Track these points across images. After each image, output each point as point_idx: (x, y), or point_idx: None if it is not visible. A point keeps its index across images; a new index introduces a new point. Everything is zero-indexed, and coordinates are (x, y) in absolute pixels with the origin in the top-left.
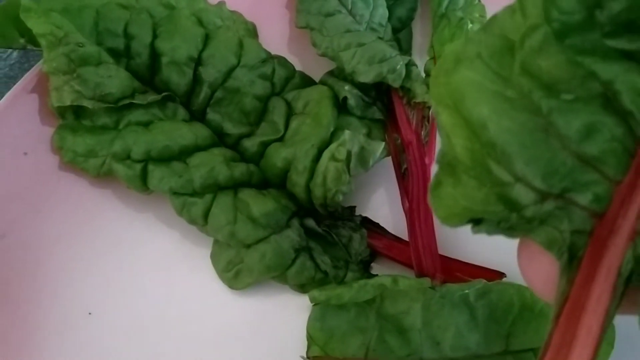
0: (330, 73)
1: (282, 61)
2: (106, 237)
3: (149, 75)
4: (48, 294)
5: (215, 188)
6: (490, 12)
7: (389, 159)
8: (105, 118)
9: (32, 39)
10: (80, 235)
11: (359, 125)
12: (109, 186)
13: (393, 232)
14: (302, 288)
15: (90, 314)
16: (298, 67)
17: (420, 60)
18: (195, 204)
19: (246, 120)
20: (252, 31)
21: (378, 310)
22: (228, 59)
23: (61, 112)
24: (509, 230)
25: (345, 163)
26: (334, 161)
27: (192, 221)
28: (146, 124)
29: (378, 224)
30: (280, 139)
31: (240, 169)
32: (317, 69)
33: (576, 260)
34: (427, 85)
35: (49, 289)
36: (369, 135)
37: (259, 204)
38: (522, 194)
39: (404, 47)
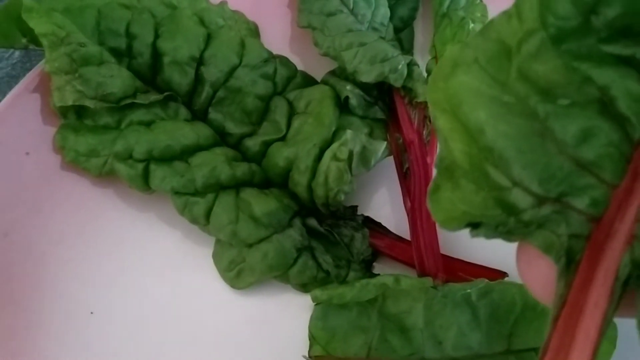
0: (332, 73)
1: (284, 61)
2: (108, 237)
3: (150, 74)
4: (50, 293)
5: (217, 187)
6: (491, 11)
7: (391, 158)
8: (107, 118)
9: (34, 39)
10: (82, 234)
11: (361, 125)
12: (111, 186)
13: (395, 232)
14: (304, 287)
15: (92, 313)
16: (300, 67)
17: (422, 60)
18: (197, 204)
19: (248, 120)
20: (254, 31)
21: (380, 309)
22: (230, 59)
23: (63, 111)
24: (507, 234)
25: (347, 162)
26: (336, 161)
27: (194, 221)
28: (148, 124)
29: (380, 223)
30: (282, 139)
31: (242, 169)
32: (318, 69)
33: (574, 264)
34: None
35: (51, 289)
36: (370, 134)
37: (261, 204)
38: (520, 198)
39: (406, 47)
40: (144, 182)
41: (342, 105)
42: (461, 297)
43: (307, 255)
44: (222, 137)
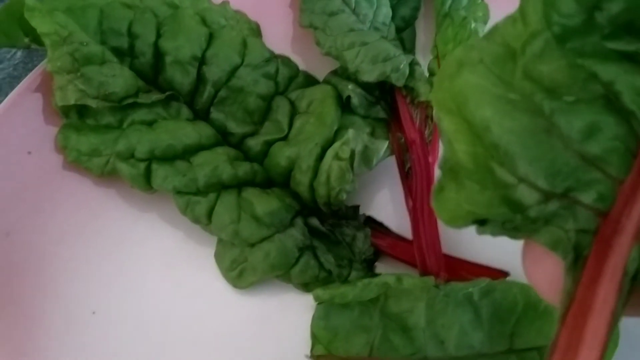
0: (334, 72)
1: (286, 60)
2: (110, 236)
3: (152, 74)
4: (52, 293)
5: (219, 187)
6: (493, 10)
7: (393, 158)
8: (109, 117)
9: (36, 38)
10: (84, 234)
11: (363, 124)
12: (113, 185)
13: (397, 231)
14: (305, 287)
15: (94, 313)
16: (302, 67)
17: (423, 59)
18: (199, 203)
19: (250, 120)
20: (256, 30)
21: (382, 309)
22: (232, 58)
23: (65, 111)
24: (514, 231)
25: (349, 162)
26: (338, 160)
27: (196, 220)
28: (150, 123)
29: (382, 222)
30: (284, 138)
31: (244, 168)
32: (320, 68)
33: (581, 260)
34: (431, 84)
35: (52, 288)
36: (372, 134)
37: (263, 203)
38: (526, 195)
39: (408, 47)
40: (146, 182)
41: (344, 105)
42: (463, 297)
43: (309, 254)
44: (223, 137)
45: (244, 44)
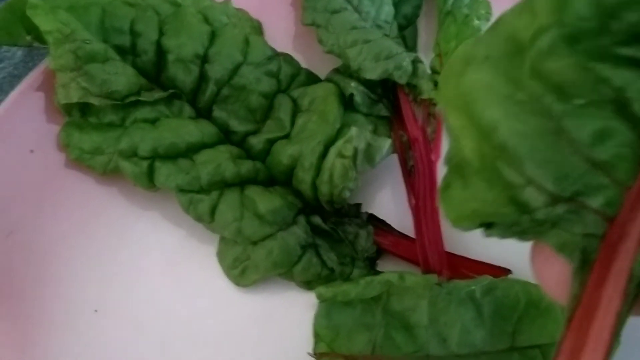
0: (336, 70)
1: (288, 58)
2: (112, 235)
3: (155, 72)
4: (54, 291)
5: (221, 185)
6: (495, 9)
7: (395, 156)
8: (111, 115)
9: (38, 36)
10: (87, 232)
11: (365, 122)
12: (116, 183)
13: (399, 229)
14: (308, 285)
15: (96, 311)
16: (304, 65)
17: (425, 57)
18: (202, 201)
19: (252, 118)
20: (258, 28)
21: (384, 307)
22: (234, 57)
23: (67, 109)
24: (521, 234)
25: (351, 160)
26: (341, 158)
27: (198, 218)
28: (153, 121)
29: (384, 220)
30: (287, 136)
31: (246, 166)
32: (323, 66)
33: (588, 263)
34: (433, 82)
35: (55, 287)
36: (375, 132)
37: (266, 201)
38: (533, 197)
39: (410, 44)
40: (149, 180)
41: (347, 103)
42: (465, 294)
43: (311, 252)
44: (226, 135)
45: (246, 42)
